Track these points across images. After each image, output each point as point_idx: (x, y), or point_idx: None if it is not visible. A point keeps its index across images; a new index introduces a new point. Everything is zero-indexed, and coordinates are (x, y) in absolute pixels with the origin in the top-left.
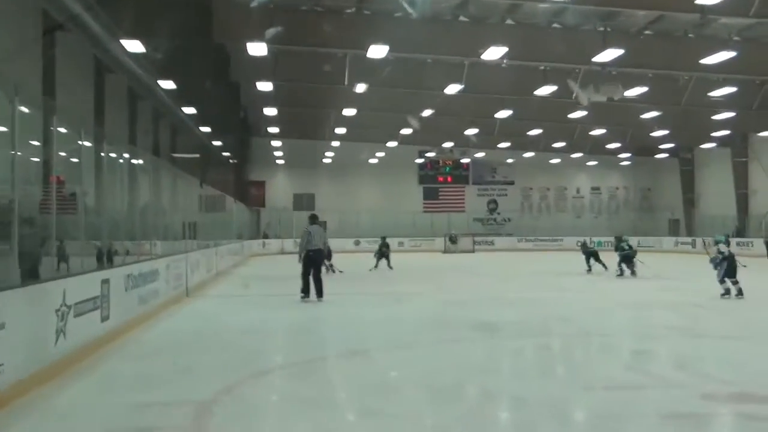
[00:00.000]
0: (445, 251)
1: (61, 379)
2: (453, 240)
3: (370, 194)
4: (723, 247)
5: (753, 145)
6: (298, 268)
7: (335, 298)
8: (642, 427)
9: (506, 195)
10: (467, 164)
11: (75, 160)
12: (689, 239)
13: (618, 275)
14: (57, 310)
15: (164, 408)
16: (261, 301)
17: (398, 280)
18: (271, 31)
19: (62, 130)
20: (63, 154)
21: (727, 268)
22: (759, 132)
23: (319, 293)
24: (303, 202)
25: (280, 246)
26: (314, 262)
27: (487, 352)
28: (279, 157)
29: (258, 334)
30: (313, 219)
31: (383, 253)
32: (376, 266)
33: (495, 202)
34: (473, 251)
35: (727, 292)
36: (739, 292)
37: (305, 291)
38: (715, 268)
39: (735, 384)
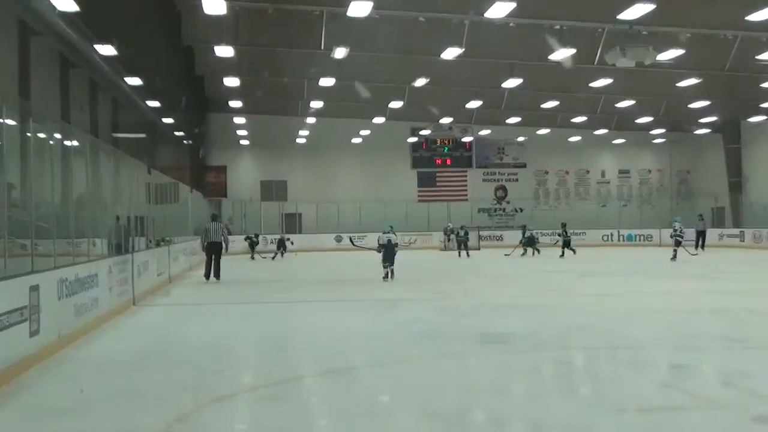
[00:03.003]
0: (444, 249)
1: None
2: (460, 236)
3: (353, 181)
4: None
5: None
6: (270, 271)
7: (314, 306)
8: None
9: (517, 180)
10: (470, 144)
11: None
12: (736, 231)
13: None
14: None
15: None
16: (224, 310)
17: (389, 283)
18: None
19: None
20: None
21: None
22: None
23: (216, 275)
24: (272, 190)
25: (245, 244)
26: (212, 251)
27: (495, 370)
28: (243, 137)
29: (220, 350)
30: (214, 217)
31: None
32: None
33: (504, 188)
34: (479, 248)
35: None
36: None
37: (206, 275)
38: None
39: None
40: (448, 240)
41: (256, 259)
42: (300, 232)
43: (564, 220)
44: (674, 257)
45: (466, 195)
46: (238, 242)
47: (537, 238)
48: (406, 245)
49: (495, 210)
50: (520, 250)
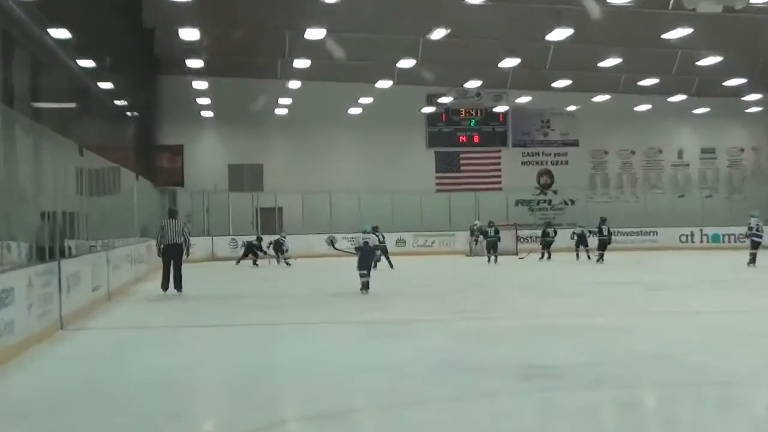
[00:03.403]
0: (470, 254)
1: None
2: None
3: (350, 165)
4: None
5: None
6: (238, 283)
7: (300, 329)
8: None
9: (566, 163)
10: (504, 115)
11: None
12: None
13: None
14: None
15: None
16: (182, 335)
17: (396, 299)
18: None
19: None
20: None
21: None
22: None
23: (177, 285)
24: (244, 177)
25: (209, 248)
26: (170, 255)
27: (538, 414)
28: (204, 107)
29: (176, 389)
30: (171, 213)
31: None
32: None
33: (549, 174)
34: (516, 252)
35: None
36: None
37: (164, 286)
38: None
39: None
40: (476, 242)
41: (259, 265)
42: (279, 233)
43: (604, 215)
44: (752, 261)
45: (500, 183)
46: (202, 246)
47: (587, 237)
48: (380, 246)
49: (538, 202)
50: (535, 253)
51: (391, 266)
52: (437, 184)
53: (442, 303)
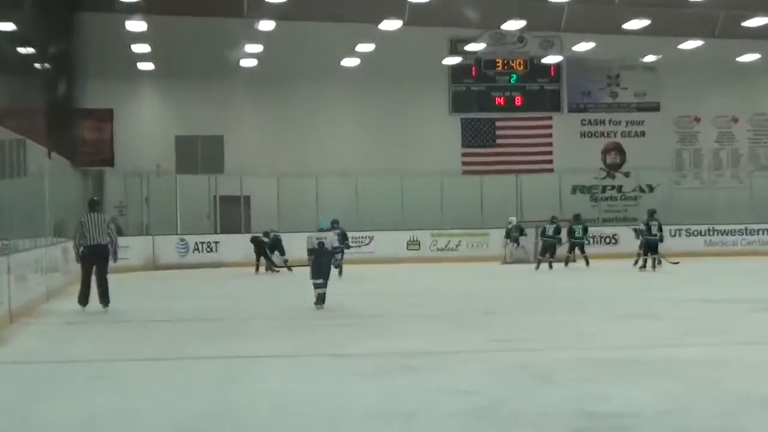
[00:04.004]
0: (508, 260)
1: None
2: (547, 236)
3: (343, 138)
4: None
5: None
6: (190, 299)
7: (275, 364)
8: None
9: (642, 135)
10: (556, 69)
11: None
12: None
13: None
14: None
15: None
16: (112, 372)
17: (406, 324)
18: None
19: None
20: None
21: None
22: None
23: (103, 299)
24: (197, 155)
25: (149, 251)
26: (92, 260)
27: None
28: (143, 57)
29: None
30: (92, 205)
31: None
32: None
33: (619, 149)
34: (573, 259)
35: None
36: None
37: (83, 300)
38: None
39: None
40: (516, 245)
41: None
42: (247, 230)
43: (653, 207)
44: None
45: (551, 162)
46: (140, 248)
47: (659, 239)
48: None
49: (603, 189)
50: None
51: (340, 273)
52: (464, 164)
53: (469, 328)
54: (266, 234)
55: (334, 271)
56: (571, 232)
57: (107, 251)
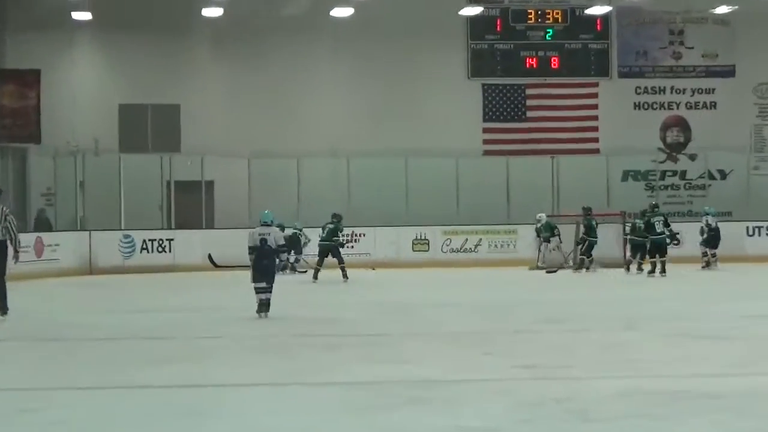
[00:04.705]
0: (540, 264)
1: None
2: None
3: (332, 110)
4: None
5: None
6: (137, 311)
7: (240, 395)
8: None
9: (713, 107)
10: (603, 22)
11: None
12: None
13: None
14: None
15: None
16: (32, 404)
17: (412, 343)
18: None
19: None
20: None
21: None
22: None
23: (1, 306)
24: (147, 129)
25: (84, 251)
26: None
27: None
28: (77, 5)
29: None
30: None
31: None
32: None
33: (683, 125)
34: (627, 267)
35: None
36: None
37: None
38: None
39: None
40: (551, 248)
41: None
42: (209, 225)
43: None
44: None
45: (596, 140)
46: (73, 246)
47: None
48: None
49: (663, 175)
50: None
51: (345, 277)
52: (486, 142)
53: (491, 350)
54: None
55: (328, 275)
56: (649, 227)
57: (5, 248)
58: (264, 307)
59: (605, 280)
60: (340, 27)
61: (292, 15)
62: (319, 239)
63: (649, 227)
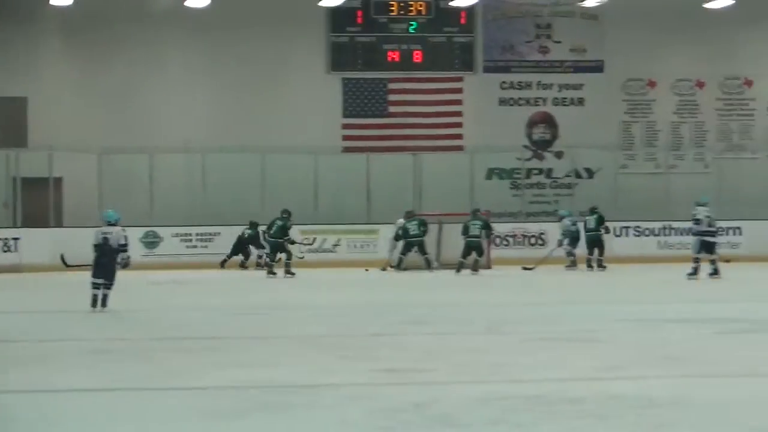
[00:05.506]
0: (398, 265)
1: None
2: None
3: (186, 103)
4: None
5: None
6: None
7: (82, 398)
8: None
9: (581, 103)
10: (468, 14)
11: None
12: None
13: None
14: None
15: None
16: None
17: (265, 346)
18: None
19: None
20: None
21: None
22: None
23: None
24: None
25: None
26: None
27: None
28: None
29: None
30: None
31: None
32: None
33: (550, 122)
34: (489, 266)
35: None
36: None
37: None
38: None
39: None
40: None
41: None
42: (57, 223)
43: (595, 204)
44: (694, 273)
45: (460, 137)
46: None
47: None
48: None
49: (528, 173)
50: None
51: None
52: (346, 138)
53: (351, 354)
54: (253, 225)
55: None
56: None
57: None
58: (96, 301)
59: (474, 282)
60: (196, 18)
61: (146, 5)
62: (268, 235)
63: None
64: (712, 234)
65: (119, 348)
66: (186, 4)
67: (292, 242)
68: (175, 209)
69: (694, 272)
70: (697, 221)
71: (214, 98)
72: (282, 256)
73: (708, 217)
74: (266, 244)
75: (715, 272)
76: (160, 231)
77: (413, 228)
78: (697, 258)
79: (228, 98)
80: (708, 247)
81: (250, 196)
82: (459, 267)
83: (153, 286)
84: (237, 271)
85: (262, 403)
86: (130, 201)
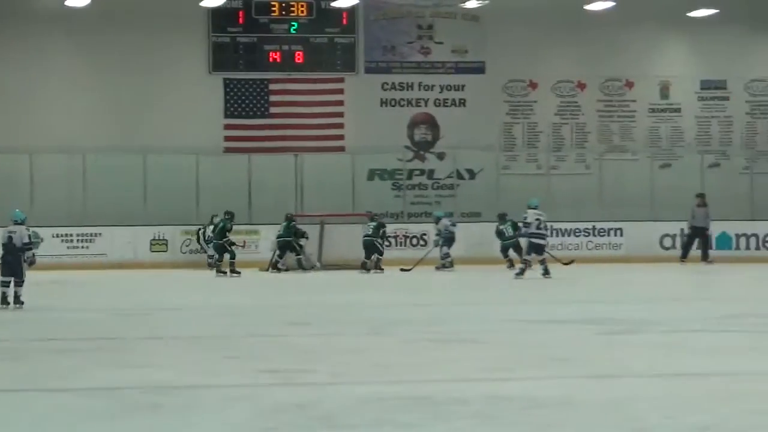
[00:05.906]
0: (273, 266)
1: None
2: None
3: (66, 102)
4: None
5: None
6: None
7: None
8: None
9: (462, 104)
10: (349, 15)
11: None
12: None
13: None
14: None
15: None
16: None
17: (147, 347)
18: None
19: None
20: None
21: None
22: None
23: None
24: None
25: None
26: None
27: None
28: None
29: None
30: None
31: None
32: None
33: (431, 123)
34: (381, 269)
35: None
36: None
37: None
38: None
39: None
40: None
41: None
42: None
43: (503, 211)
44: (521, 272)
45: (341, 138)
46: None
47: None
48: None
49: (410, 175)
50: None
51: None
52: (228, 138)
53: (233, 355)
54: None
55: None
56: (500, 234)
57: None
58: (8, 300)
59: (357, 282)
60: (76, 16)
61: (26, 4)
62: (211, 235)
63: (500, 233)
64: (542, 236)
65: (1, 348)
66: (66, 3)
67: (232, 243)
68: (55, 210)
69: (522, 272)
70: (527, 224)
71: (95, 98)
72: (226, 255)
73: (538, 219)
74: (207, 246)
75: (546, 272)
76: (41, 231)
77: (281, 229)
78: (526, 260)
79: (109, 98)
80: (537, 249)
81: (131, 197)
82: (362, 266)
83: (33, 286)
84: (124, 272)
85: (141, 403)
86: (9, 202)
